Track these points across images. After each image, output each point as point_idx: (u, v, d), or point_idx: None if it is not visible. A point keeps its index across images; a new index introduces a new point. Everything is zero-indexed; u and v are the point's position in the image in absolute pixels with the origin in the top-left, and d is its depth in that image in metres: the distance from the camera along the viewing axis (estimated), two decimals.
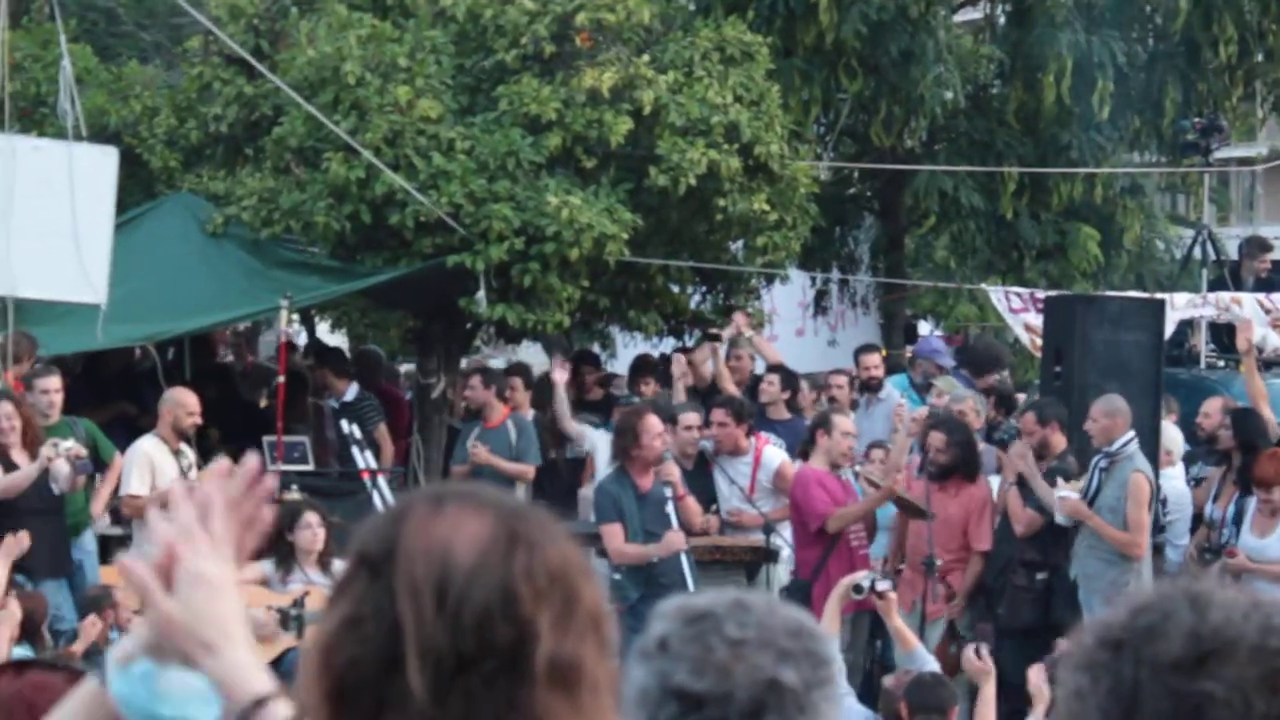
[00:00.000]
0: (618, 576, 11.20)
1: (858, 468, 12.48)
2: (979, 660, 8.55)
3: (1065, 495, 11.51)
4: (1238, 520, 12.10)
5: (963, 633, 11.93)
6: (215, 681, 2.13)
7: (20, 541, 10.71)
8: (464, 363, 17.78)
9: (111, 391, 15.23)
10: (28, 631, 9.74)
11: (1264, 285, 16.85)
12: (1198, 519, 12.95)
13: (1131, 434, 11.60)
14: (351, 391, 15.65)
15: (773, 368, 15.13)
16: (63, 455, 11.70)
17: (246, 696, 2.11)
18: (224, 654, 2.12)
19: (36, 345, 13.25)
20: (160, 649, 2.17)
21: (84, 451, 11.94)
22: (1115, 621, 2.08)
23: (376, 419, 15.51)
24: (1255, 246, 18.02)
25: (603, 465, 13.48)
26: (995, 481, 12.59)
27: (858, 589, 8.94)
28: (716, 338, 15.84)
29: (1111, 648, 2.07)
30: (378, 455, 14.91)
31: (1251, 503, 12.01)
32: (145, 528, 11.36)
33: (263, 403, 16.92)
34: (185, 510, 2.20)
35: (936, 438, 12.24)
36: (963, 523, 12.15)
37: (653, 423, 11.72)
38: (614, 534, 11.44)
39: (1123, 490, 11.47)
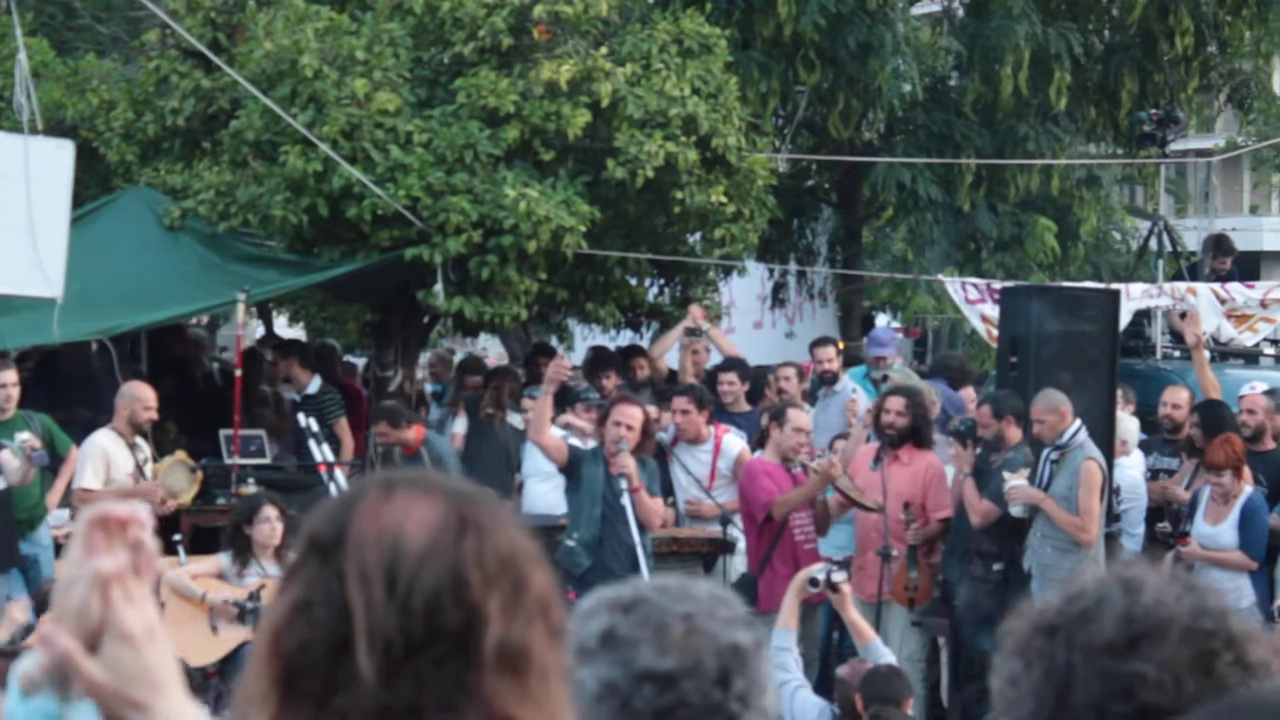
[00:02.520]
0: (571, 543, 11.14)
1: (813, 461, 12.42)
2: None
3: (1015, 484, 11.50)
4: (1192, 509, 12.14)
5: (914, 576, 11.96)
6: None
7: None
8: (423, 356, 17.77)
9: (67, 390, 15.15)
10: None
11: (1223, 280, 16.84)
12: (1157, 510, 12.98)
13: (1078, 423, 11.58)
14: (314, 384, 15.63)
15: (729, 364, 15.09)
16: (15, 447, 11.65)
17: None
18: (156, 710, 2.05)
19: None
20: (63, 681, 2.09)
21: (38, 444, 11.87)
22: (1050, 607, 2.11)
23: (338, 413, 15.47)
24: (1215, 246, 17.96)
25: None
26: (950, 473, 12.59)
27: (813, 582, 8.95)
28: (696, 333, 15.85)
29: (1045, 633, 2.09)
30: (337, 449, 14.87)
31: (1206, 491, 12.05)
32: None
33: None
34: (117, 555, 2.07)
35: (895, 401, 12.21)
36: (914, 491, 12.09)
37: (621, 411, 11.53)
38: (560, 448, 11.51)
39: (1075, 479, 11.45)
